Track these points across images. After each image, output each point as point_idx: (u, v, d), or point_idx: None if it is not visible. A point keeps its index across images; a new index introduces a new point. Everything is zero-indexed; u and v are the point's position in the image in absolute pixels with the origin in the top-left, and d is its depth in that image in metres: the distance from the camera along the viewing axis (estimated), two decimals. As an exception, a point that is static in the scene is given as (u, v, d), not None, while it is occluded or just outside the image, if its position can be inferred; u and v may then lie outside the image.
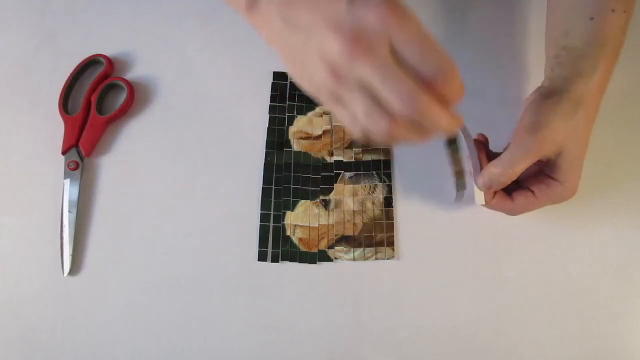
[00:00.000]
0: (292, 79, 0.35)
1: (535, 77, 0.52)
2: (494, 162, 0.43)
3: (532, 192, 0.44)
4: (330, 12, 0.30)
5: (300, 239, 0.49)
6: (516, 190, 0.45)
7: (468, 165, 0.45)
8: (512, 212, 0.46)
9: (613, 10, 0.43)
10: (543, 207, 0.45)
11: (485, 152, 0.46)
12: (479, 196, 0.45)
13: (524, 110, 0.44)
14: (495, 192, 0.45)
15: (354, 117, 0.32)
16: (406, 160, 0.52)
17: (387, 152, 0.52)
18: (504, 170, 0.42)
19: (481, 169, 0.44)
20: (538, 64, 0.49)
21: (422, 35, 0.29)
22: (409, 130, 0.31)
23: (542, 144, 0.41)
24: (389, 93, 0.29)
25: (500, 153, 0.45)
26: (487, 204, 0.45)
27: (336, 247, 0.49)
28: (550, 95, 0.43)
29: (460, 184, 0.45)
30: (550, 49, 0.46)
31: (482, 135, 0.47)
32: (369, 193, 0.50)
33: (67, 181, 0.51)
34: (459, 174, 0.45)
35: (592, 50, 0.42)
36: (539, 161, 0.43)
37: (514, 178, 0.43)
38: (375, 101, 0.30)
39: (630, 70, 0.53)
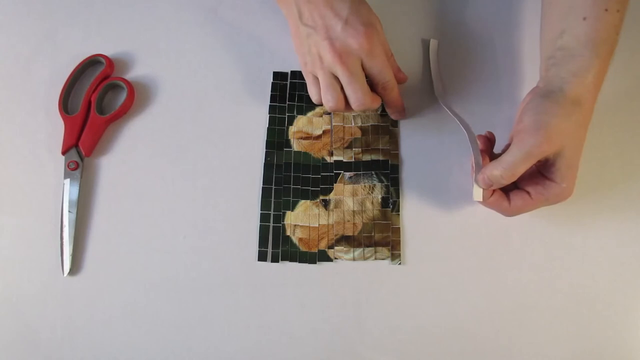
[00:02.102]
0: (294, 48, 0.51)
1: (531, 77, 0.52)
2: (495, 163, 0.43)
3: (528, 193, 0.44)
4: (330, 26, 0.45)
5: (300, 239, 0.49)
6: (512, 191, 0.45)
7: (471, 160, 0.46)
8: (507, 213, 0.46)
9: (606, 10, 0.43)
10: (538, 208, 0.45)
11: (491, 149, 0.46)
12: (477, 192, 0.44)
13: (522, 110, 0.44)
14: (493, 191, 0.45)
15: (317, 90, 0.48)
16: (412, 163, 0.52)
17: (387, 152, 0.52)
18: (504, 172, 0.42)
19: (483, 165, 0.44)
20: (533, 64, 0.49)
21: (380, 64, 0.46)
22: (345, 111, 0.51)
23: (544, 144, 0.41)
24: (349, 91, 0.46)
25: (500, 154, 0.45)
26: (484, 202, 0.45)
27: (336, 247, 0.49)
28: (547, 95, 0.43)
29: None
30: (544, 50, 0.46)
31: (490, 132, 0.47)
32: (368, 193, 0.51)
33: (67, 181, 0.51)
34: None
35: (586, 51, 0.42)
36: (537, 162, 0.42)
37: (514, 179, 0.43)
38: (337, 87, 0.46)
39: (628, 70, 0.53)
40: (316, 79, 0.48)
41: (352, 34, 0.45)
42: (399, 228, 0.49)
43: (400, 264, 0.48)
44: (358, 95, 0.46)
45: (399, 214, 0.50)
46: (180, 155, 0.52)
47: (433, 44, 0.55)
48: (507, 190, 0.45)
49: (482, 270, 0.48)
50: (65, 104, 0.54)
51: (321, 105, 0.49)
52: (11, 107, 0.54)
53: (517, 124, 0.43)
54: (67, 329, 0.47)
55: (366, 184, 0.51)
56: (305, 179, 0.51)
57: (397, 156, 0.52)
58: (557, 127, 0.41)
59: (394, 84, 0.48)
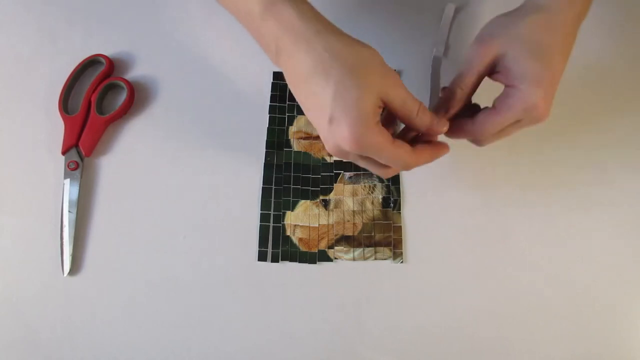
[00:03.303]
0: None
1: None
2: (445, 88, 0.43)
3: (493, 106, 0.42)
4: (318, 124, 0.39)
5: (300, 239, 0.49)
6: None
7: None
8: (476, 135, 0.43)
9: None
10: (511, 127, 0.42)
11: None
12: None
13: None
14: (452, 118, 0.43)
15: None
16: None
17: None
18: (452, 87, 0.41)
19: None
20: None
21: (377, 147, 0.38)
22: (396, 171, 0.43)
23: (480, 49, 0.41)
24: (392, 164, 0.40)
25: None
26: (447, 131, 0.42)
27: (336, 247, 0.49)
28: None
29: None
30: None
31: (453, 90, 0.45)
32: (368, 193, 0.51)
33: (67, 181, 0.51)
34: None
35: None
36: (488, 71, 0.42)
37: (467, 94, 0.42)
38: (374, 162, 0.41)
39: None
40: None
41: (339, 136, 0.38)
42: (400, 227, 0.49)
43: (402, 262, 0.48)
44: (403, 162, 0.40)
45: (400, 213, 0.50)
46: (180, 155, 0.52)
47: (449, 8, 0.56)
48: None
49: (482, 270, 0.48)
50: (65, 104, 0.54)
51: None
52: (11, 107, 0.54)
53: None
54: (67, 329, 0.47)
55: (366, 184, 0.51)
56: (305, 179, 0.51)
57: None
58: (493, 31, 0.41)
59: (424, 108, 0.40)
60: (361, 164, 0.42)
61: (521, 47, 0.40)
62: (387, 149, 0.39)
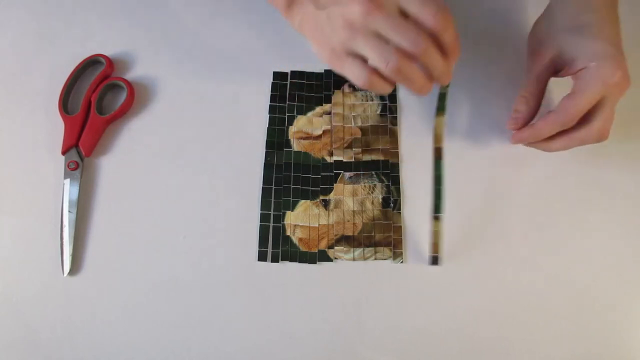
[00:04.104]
0: (313, 47, 0.42)
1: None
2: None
3: (572, 91, 0.42)
4: (339, 11, 0.38)
5: (300, 239, 0.49)
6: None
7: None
8: (565, 122, 0.43)
9: None
10: (571, 123, 0.43)
11: None
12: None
13: None
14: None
15: (362, 66, 0.39)
16: (412, 162, 0.52)
17: (387, 152, 0.52)
18: (517, 101, 0.45)
19: None
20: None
21: (389, 14, 0.37)
22: (412, 68, 0.38)
23: (534, 58, 0.44)
24: (399, 37, 0.37)
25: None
26: (537, 131, 0.44)
27: (336, 247, 0.49)
28: None
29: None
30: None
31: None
32: (368, 193, 0.51)
33: (67, 181, 0.51)
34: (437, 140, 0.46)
35: None
36: (560, 74, 0.44)
37: (535, 103, 0.45)
38: (386, 43, 0.37)
39: None
40: (356, 57, 0.39)
41: (354, 4, 0.37)
42: (400, 227, 0.49)
43: (402, 262, 0.48)
44: (412, 36, 0.37)
45: (400, 213, 0.50)
46: (180, 155, 0.52)
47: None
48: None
49: (481, 270, 0.48)
50: (65, 104, 0.54)
51: (378, 89, 0.40)
52: (11, 107, 0.54)
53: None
54: (67, 329, 0.47)
55: (366, 184, 0.51)
56: (305, 179, 0.51)
57: (397, 155, 0.52)
58: (537, 39, 0.45)
59: (448, 13, 0.37)
60: (399, 30, 0.37)
61: (573, 35, 0.42)
62: (398, 17, 0.37)
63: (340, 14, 0.38)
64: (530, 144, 0.47)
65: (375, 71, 0.39)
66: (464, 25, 0.43)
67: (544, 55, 0.43)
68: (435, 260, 0.47)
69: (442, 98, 0.46)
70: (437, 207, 0.46)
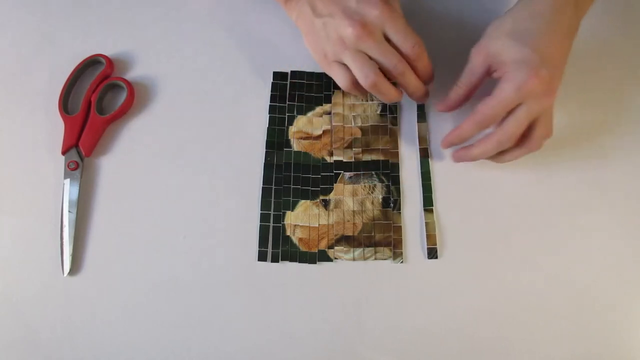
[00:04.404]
0: (306, 43, 0.50)
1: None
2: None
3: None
4: (345, 6, 0.46)
5: (300, 239, 0.49)
6: None
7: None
8: (462, 136, 0.46)
9: None
10: (486, 123, 0.44)
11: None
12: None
13: None
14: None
15: (346, 73, 0.47)
16: (411, 162, 0.52)
17: (387, 152, 0.52)
18: (454, 87, 0.47)
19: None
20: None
21: (404, 27, 0.46)
22: (385, 84, 0.47)
23: (474, 51, 0.45)
24: (383, 60, 0.46)
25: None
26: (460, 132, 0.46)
27: (336, 247, 0.49)
28: None
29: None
30: None
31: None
32: (368, 193, 0.51)
33: (67, 181, 0.51)
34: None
35: None
36: (493, 75, 0.45)
37: (465, 90, 0.47)
38: (368, 60, 0.46)
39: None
40: (342, 65, 0.47)
41: (368, 3, 0.45)
42: (400, 226, 0.49)
43: (402, 262, 0.48)
44: (393, 62, 0.45)
45: (400, 213, 0.50)
46: (180, 155, 0.52)
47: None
48: None
49: (482, 270, 0.48)
50: (65, 104, 0.54)
51: (355, 93, 0.49)
52: (11, 107, 0.54)
53: None
54: (67, 329, 0.47)
55: (366, 184, 0.51)
56: (305, 179, 0.51)
57: (397, 154, 0.52)
58: (487, 33, 0.46)
59: (423, 46, 0.47)
60: (382, 55, 0.45)
61: (507, 39, 0.43)
62: (404, 26, 0.46)
63: (335, 29, 0.46)
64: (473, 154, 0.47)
65: (356, 80, 0.47)
66: (448, 38, 0.49)
67: (482, 52, 0.45)
68: (432, 253, 0.48)
69: (421, 107, 0.53)
70: (427, 201, 0.49)
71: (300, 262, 0.48)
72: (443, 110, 0.49)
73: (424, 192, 0.50)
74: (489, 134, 0.45)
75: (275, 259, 0.49)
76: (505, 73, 0.43)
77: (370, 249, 0.49)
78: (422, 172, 0.51)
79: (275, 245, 0.49)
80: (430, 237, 0.48)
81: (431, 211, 0.49)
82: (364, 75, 0.45)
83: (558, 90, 0.44)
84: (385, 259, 0.48)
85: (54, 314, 0.47)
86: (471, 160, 0.47)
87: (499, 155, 0.46)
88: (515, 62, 0.42)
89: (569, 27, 0.44)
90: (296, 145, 0.52)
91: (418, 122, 0.53)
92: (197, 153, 0.52)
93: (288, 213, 0.50)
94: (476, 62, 0.45)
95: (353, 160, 0.52)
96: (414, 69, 0.47)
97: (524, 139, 0.45)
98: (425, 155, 0.51)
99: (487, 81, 0.47)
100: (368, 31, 0.45)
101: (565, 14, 0.44)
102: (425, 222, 0.49)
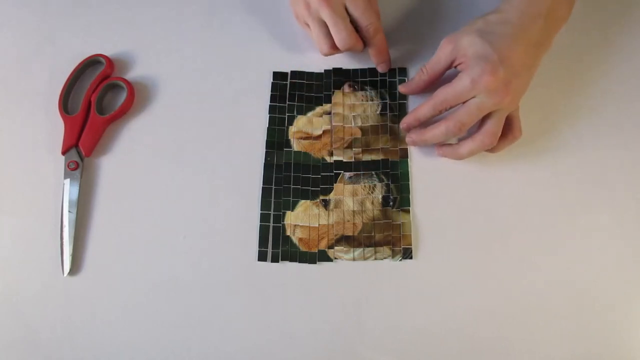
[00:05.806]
0: (290, 3, 0.54)
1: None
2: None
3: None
4: None
5: (300, 239, 0.49)
6: None
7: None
8: (418, 117, 0.49)
9: None
10: (439, 107, 0.47)
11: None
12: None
13: None
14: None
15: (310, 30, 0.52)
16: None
17: (387, 152, 0.52)
18: (419, 70, 0.50)
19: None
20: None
21: (364, 5, 0.50)
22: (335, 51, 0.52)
23: (443, 42, 0.48)
24: (334, 31, 0.50)
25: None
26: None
27: (336, 247, 0.49)
28: None
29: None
30: None
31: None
32: (368, 193, 0.51)
33: (67, 181, 0.51)
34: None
35: None
36: (458, 66, 0.47)
37: (429, 78, 0.50)
38: (325, 30, 0.51)
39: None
40: (308, 26, 0.52)
41: None
42: (399, 225, 0.49)
43: (400, 260, 0.48)
44: (342, 35, 0.49)
45: (399, 211, 0.50)
46: (180, 155, 0.52)
47: None
48: None
49: (482, 270, 0.48)
50: (65, 104, 0.54)
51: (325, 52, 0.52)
52: (11, 107, 0.54)
53: None
54: (67, 329, 0.47)
55: (366, 184, 0.51)
56: (305, 179, 0.51)
57: (397, 153, 0.52)
58: (461, 29, 0.47)
59: (379, 27, 0.51)
60: (335, 26, 0.49)
61: (475, 36, 0.46)
62: (369, 4, 0.50)
63: None
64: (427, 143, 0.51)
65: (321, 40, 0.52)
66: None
67: (451, 43, 0.47)
68: (407, 253, 0.48)
69: (401, 107, 0.54)
70: (405, 201, 0.50)
71: (300, 262, 0.48)
72: (405, 93, 0.53)
73: (401, 192, 0.50)
74: (441, 119, 0.47)
75: (275, 259, 0.49)
76: (466, 66, 0.46)
77: (370, 249, 0.49)
78: (400, 173, 0.51)
79: (275, 245, 0.49)
80: (406, 237, 0.49)
81: (408, 211, 0.49)
82: (318, 43, 0.51)
83: (521, 96, 0.47)
84: (386, 259, 0.48)
85: (54, 314, 0.47)
86: (424, 144, 0.50)
87: (454, 147, 0.49)
88: (476, 57, 0.45)
89: (537, 39, 0.46)
90: (296, 145, 0.52)
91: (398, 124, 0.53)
92: (197, 153, 0.52)
93: (288, 213, 0.50)
94: (444, 51, 0.48)
95: (353, 160, 0.52)
96: (369, 46, 0.52)
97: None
98: (404, 155, 0.52)
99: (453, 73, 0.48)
100: (328, 2, 0.49)
101: (533, 25, 0.46)
102: (402, 222, 0.49)
